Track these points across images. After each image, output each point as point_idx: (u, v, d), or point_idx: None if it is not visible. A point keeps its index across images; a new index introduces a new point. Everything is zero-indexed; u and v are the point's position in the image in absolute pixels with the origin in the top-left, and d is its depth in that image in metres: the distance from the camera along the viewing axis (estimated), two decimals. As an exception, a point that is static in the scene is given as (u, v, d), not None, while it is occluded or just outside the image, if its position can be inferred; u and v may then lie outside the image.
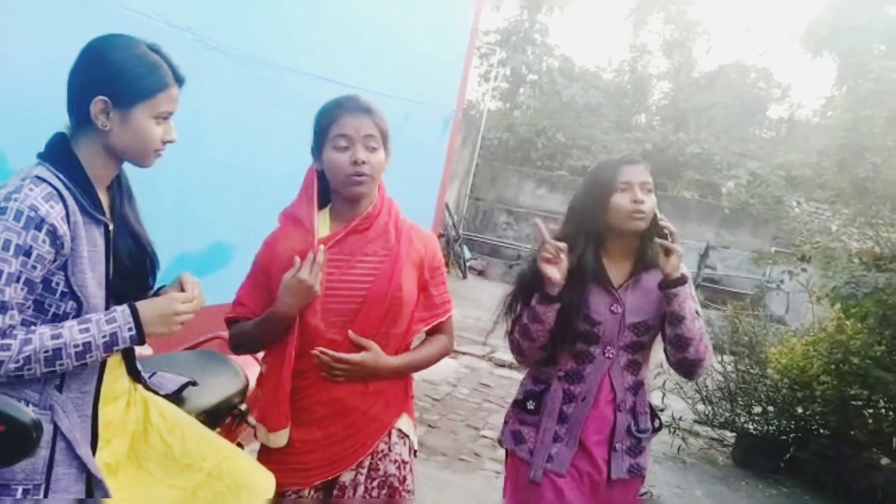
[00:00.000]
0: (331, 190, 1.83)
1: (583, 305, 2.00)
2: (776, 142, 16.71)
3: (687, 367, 2.04)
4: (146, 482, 1.58)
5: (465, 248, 12.40)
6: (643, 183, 1.99)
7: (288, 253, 1.75)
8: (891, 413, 4.53)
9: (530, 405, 2.11)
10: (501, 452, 4.72)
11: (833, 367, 4.61)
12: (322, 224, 1.82)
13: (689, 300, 1.97)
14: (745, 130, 16.85)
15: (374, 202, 1.83)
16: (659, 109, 18.54)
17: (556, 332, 2.00)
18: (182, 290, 1.51)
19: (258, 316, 1.81)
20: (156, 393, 1.71)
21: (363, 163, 1.74)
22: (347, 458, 1.82)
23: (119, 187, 1.53)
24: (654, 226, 1.99)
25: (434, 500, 3.69)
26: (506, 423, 2.22)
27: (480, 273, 12.63)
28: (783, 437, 4.98)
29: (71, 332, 1.36)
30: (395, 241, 1.84)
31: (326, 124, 1.76)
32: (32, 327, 1.35)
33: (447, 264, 11.77)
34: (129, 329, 1.40)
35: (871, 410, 4.63)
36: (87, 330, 1.37)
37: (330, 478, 1.82)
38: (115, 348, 1.40)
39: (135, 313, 1.41)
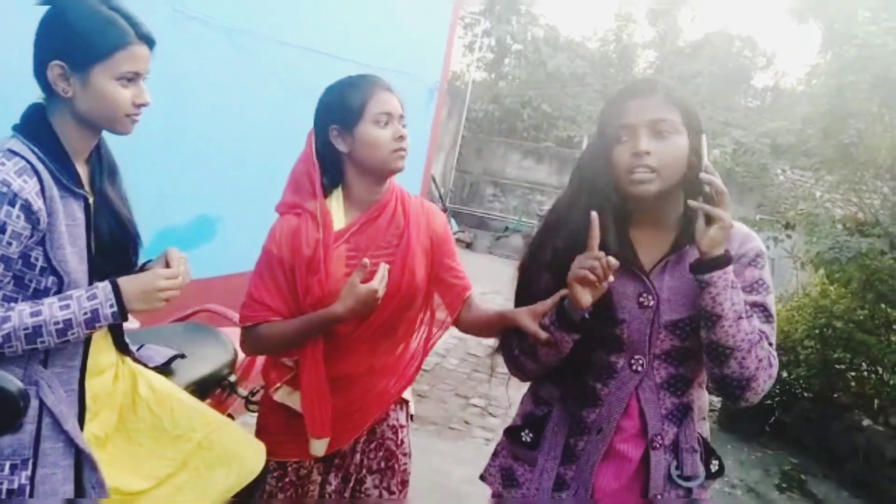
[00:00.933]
0: (349, 172, 1.73)
1: (603, 298, 1.40)
2: (761, 110, 16.71)
3: (728, 387, 1.40)
4: (136, 454, 1.58)
5: (452, 220, 12.38)
6: (654, 122, 1.37)
7: (314, 246, 1.68)
8: (873, 376, 4.61)
9: (526, 436, 1.58)
10: (490, 420, 4.81)
11: (817, 331, 4.68)
12: (336, 212, 1.74)
13: (729, 292, 1.35)
14: (730, 99, 16.82)
15: (386, 187, 1.78)
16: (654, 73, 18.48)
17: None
18: (167, 265, 1.49)
19: (282, 317, 1.71)
20: (144, 365, 1.71)
21: (404, 137, 1.71)
22: (349, 433, 1.80)
23: (99, 160, 1.49)
24: (691, 182, 1.39)
25: (424, 468, 3.72)
26: (495, 455, 1.70)
27: (468, 246, 12.63)
28: (768, 402, 5.06)
29: (51, 308, 1.33)
30: (405, 225, 1.78)
31: (362, 101, 1.67)
32: (12, 304, 1.33)
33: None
34: (111, 306, 1.37)
35: (853, 373, 4.71)
36: (67, 307, 1.34)
37: (328, 454, 1.80)
38: (97, 325, 1.38)
39: (116, 289, 1.38)
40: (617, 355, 1.47)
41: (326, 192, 1.75)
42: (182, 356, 1.86)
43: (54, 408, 1.39)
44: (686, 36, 18.40)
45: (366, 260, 1.64)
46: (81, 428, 1.46)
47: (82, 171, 1.45)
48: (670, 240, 1.46)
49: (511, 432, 1.64)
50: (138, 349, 1.78)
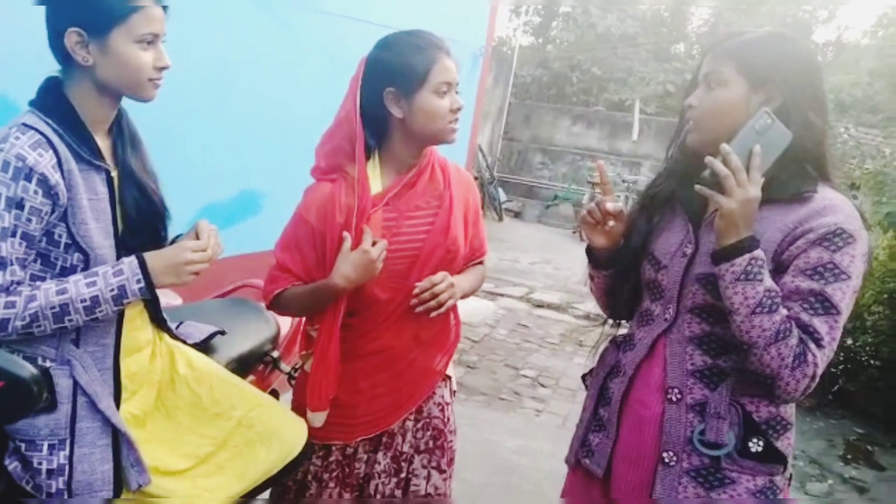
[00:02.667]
0: (396, 136, 1.67)
1: (650, 241, 1.50)
2: (824, 66, 15.95)
3: (761, 380, 1.33)
4: (176, 431, 1.57)
5: (499, 189, 12.23)
6: (706, 76, 1.38)
7: (347, 213, 1.63)
8: (945, 342, 4.37)
9: (588, 377, 1.68)
10: (541, 391, 4.76)
11: (885, 296, 4.45)
12: (373, 175, 1.69)
13: (741, 286, 1.27)
14: (790, 55, 16.10)
15: (425, 151, 1.72)
16: (699, 37, 17.80)
17: (619, 276, 1.57)
18: (198, 238, 1.45)
19: (304, 283, 1.69)
20: (183, 342, 1.69)
21: (461, 109, 1.65)
22: (393, 414, 1.76)
23: (120, 132, 1.46)
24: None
25: (474, 439, 3.70)
26: None
27: (517, 215, 12.50)
28: (832, 370, 4.86)
29: (77, 286, 1.32)
30: (446, 187, 1.74)
31: (426, 67, 1.58)
32: (38, 283, 1.32)
33: (482, 207, 11.65)
34: (138, 281, 1.35)
35: (924, 340, 4.48)
36: (93, 283, 1.33)
37: (374, 434, 1.77)
38: (125, 301, 1.36)
39: (142, 264, 1.36)
40: (656, 302, 1.49)
41: (367, 155, 1.68)
42: (222, 332, 1.84)
43: (88, 387, 1.38)
44: (742, -10, 17.65)
45: (345, 232, 1.61)
46: (118, 407, 1.45)
47: (103, 143, 1.42)
48: None
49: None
50: (177, 326, 1.76)
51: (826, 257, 1.27)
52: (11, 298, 1.27)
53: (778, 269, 1.33)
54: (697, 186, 1.30)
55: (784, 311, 1.28)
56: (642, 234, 1.53)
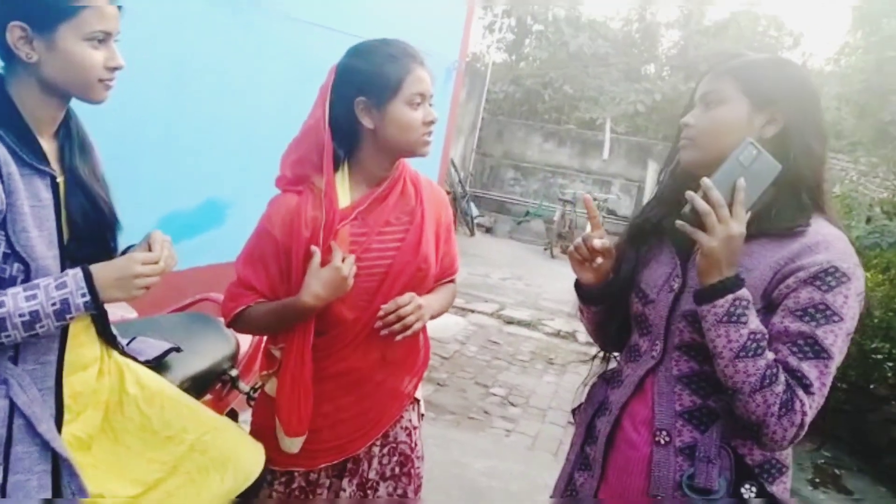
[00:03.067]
0: (366, 148, 1.59)
1: (638, 272, 1.44)
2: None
3: (747, 426, 1.25)
4: (123, 456, 1.46)
5: (472, 204, 12.19)
6: (703, 96, 1.33)
7: (314, 227, 1.55)
8: (912, 365, 4.40)
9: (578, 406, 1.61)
10: (511, 410, 4.68)
11: (853, 319, 4.46)
12: (341, 188, 1.60)
13: (723, 328, 1.20)
14: (757, 79, 16.40)
15: (396, 164, 1.65)
16: (669, 59, 18.05)
17: (608, 310, 1.52)
18: (150, 249, 1.35)
19: (268, 300, 1.60)
20: (134, 360, 1.58)
21: (434, 122, 1.58)
22: (359, 440, 1.67)
23: (68, 134, 1.36)
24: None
25: (442, 460, 3.61)
26: None
27: (488, 230, 12.46)
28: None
29: (15, 299, 1.21)
30: (418, 203, 1.66)
31: (399, 77, 1.52)
32: None
33: (454, 222, 11.60)
34: (83, 295, 1.25)
35: (891, 363, 4.50)
36: (33, 297, 1.22)
37: (338, 461, 1.67)
38: (69, 316, 1.25)
39: (88, 277, 1.25)
40: (644, 337, 1.42)
41: (336, 167, 1.59)
42: (177, 349, 1.73)
43: (26, 408, 1.26)
44: (711, 15, 17.97)
45: (314, 247, 1.52)
46: (60, 429, 1.33)
47: (49, 146, 1.32)
48: None
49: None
50: (129, 342, 1.66)
51: (817, 297, 1.20)
52: None
53: (768, 308, 1.25)
54: (678, 223, 1.23)
55: (770, 356, 1.21)
56: (630, 264, 1.47)
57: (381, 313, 1.58)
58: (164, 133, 2.86)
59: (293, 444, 1.62)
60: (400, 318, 1.58)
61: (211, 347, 1.94)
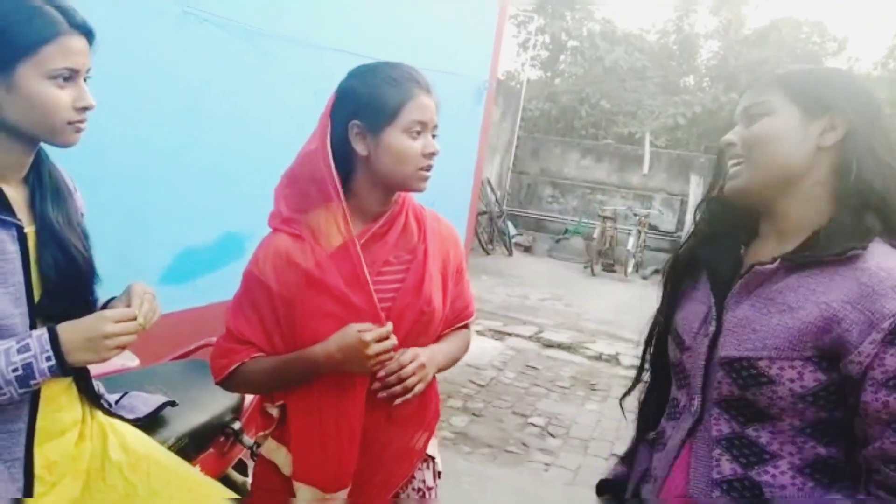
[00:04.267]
0: (360, 178, 1.45)
1: (675, 312, 1.28)
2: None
3: None
4: (104, 530, 1.33)
5: (509, 223, 12.02)
6: (745, 110, 1.17)
7: (328, 274, 1.41)
8: None
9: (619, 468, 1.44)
10: (551, 442, 4.48)
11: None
12: (334, 227, 1.45)
13: None
14: (801, 87, 15.95)
15: (395, 198, 1.51)
16: (708, 70, 17.70)
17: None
18: (129, 305, 1.23)
19: (266, 354, 1.46)
20: (122, 419, 1.46)
21: (435, 155, 1.43)
22: (370, 502, 1.51)
23: (39, 181, 1.25)
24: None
25: (477, 499, 3.43)
26: None
27: (527, 249, 12.26)
28: None
29: None
30: (420, 240, 1.51)
31: (398, 103, 1.39)
32: None
33: (491, 241, 11.45)
34: (48, 358, 1.13)
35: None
36: None
37: None
38: (33, 382, 1.13)
39: (54, 338, 1.14)
40: (681, 390, 1.23)
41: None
42: (172, 403, 1.60)
43: None
44: (751, 24, 17.58)
45: (390, 324, 1.38)
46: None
47: (16, 194, 1.21)
48: (779, 250, 1.14)
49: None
50: (120, 398, 1.53)
51: None
52: None
53: (822, 359, 1.05)
54: None
55: None
56: (669, 303, 1.30)
57: (380, 374, 1.42)
58: (178, 166, 2.78)
59: (304, 495, 1.46)
60: (401, 380, 1.42)
61: (212, 399, 1.81)
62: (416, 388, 1.44)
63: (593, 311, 7.85)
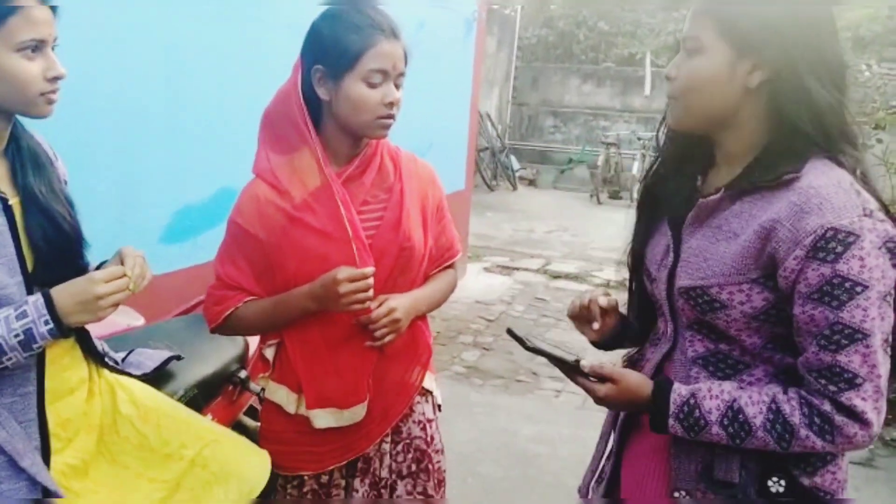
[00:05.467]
0: (328, 122, 1.47)
1: (646, 247, 1.32)
2: (843, 0, 15.33)
3: None
4: (123, 478, 1.41)
5: (512, 157, 11.93)
6: (683, 41, 1.18)
7: (309, 213, 1.45)
8: None
9: None
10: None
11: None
12: (310, 170, 1.48)
13: (698, 436, 1.15)
14: (804, -8, 15.46)
15: (367, 141, 1.52)
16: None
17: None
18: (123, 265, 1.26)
19: (258, 297, 1.52)
20: (129, 375, 1.52)
21: (395, 104, 1.44)
22: (364, 439, 1.58)
23: (19, 152, 1.27)
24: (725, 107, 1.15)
25: (490, 428, 3.55)
26: None
27: (531, 182, 12.19)
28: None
29: None
30: (396, 179, 1.54)
31: (358, 50, 1.39)
32: None
33: (494, 177, 11.39)
34: (46, 322, 1.17)
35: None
36: None
37: (346, 461, 1.60)
38: (35, 346, 1.19)
39: (49, 303, 1.18)
40: (661, 319, 1.30)
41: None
42: (178, 357, 1.67)
43: (7, 445, 1.21)
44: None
45: (344, 268, 1.42)
46: (48, 460, 1.28)
47: None
48: (727, 179, 1.18)
49: None
50: (127, 355, 1.60)
51: (827, 273, 1.03)
52: None
53: (768, 277, 1.10)
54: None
55: (759, 415, 1.10)
56: (640, 237, 1.34)
57: (354, 321, 1.49)
58: (168, 124, 2.78)
59: (322, 419, 1.54)
60: (376, 327, 1.49)
61: (217, 350, 1.88)
62: (386, 339, 1.50)
63: (600, 239, 7.87)
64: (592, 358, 1.26)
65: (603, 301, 1.33)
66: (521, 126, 13.55)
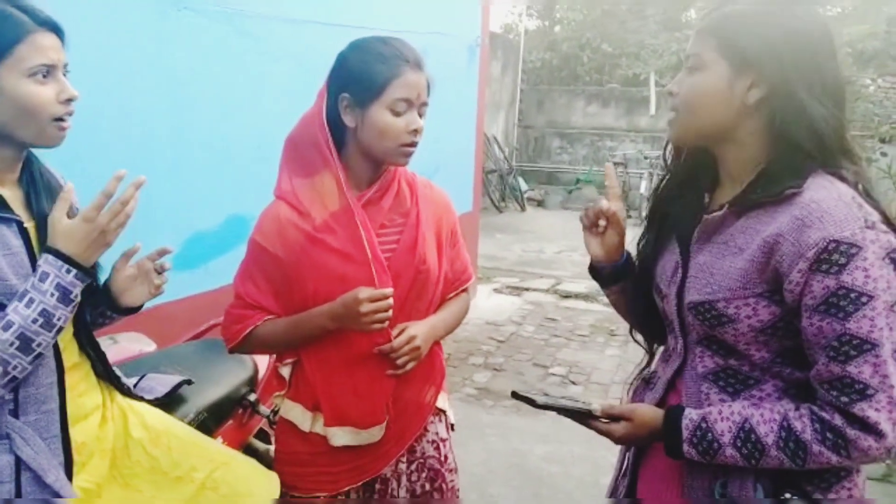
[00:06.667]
0: (351, 148, 1.51)
1: (654, 263, 1.34)
2: (842, 18, 15.39)
3: None
4: (134, 500, 1.42)
5: (519, 179, 12.00)
6: (686, 60, 1.22)
7: (329, 234, 1.49)
8: None
9: None
10: (572, 389, 4.56)
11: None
12: (330, 194, 1.52)
13: (713, 458, 1.15)
14: (806, 9, 15.52)
15: (385, 167, 1.56)
16: (709, 1, 17.34)
17: (631, 294, 1.44)
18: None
19: (277, 316, 1.55)
20: (141, 400, 1.55)
21: (419, 132, 1.48)
22: (380, 459, 1.60)
23: (32, 180, 1.31)
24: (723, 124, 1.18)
25: (501, 449, 3.54)
26: None
27: (539, 203, 12.25)
28: None
29: (18, 312, 1.18)
30: (413, 204, 1.58)
31: (384, 80, 1.44)
32: None
33: (503, 199, 11.44)
34: (67, 271, 1.22)
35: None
36: (31, 301, 1.19)
37: (361, 483, 1.61)
38: (73, 296, 1.23)
39: (59, 254, 1.22)
40: (671, 335, 1.31)
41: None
42: (188, 382, 1.69)
43: (32, 462, 1.24)
44: (750, -52, 17.10)
45: (363, 289, 1.44)
46: (70, 477, 1.30)
47: (12, 195, 1.27)
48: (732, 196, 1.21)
49: None
50: (138, 381, 1.62)
51: (832, 285, 1.04)
52: None
53: (774, 290, 1.11)
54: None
55: (771, 433, 1.10)
56: (650, 247, 1.37)
57: (375, 350, 1.53)
58: (175, 155, 2.83)
59: (339, 437, 1.55)
60: (398, 355, 1.53)
61: (227, 374, 1.90)
62: (407, 367, 1.54)
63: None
64: (602, 402, 1.28)
65: (603, 204, 1.34)
66: (528, 148, 13.63)
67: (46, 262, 1.22)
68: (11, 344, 1.17)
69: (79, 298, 1.26)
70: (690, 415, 1.16)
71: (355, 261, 1.49)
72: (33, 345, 1.19)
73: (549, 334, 5.50)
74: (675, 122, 1.22)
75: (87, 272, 1.25)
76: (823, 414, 1.07)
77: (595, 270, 1.44)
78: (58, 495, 1.26)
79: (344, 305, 1.44)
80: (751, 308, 1.12)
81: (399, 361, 1.52)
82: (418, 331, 1.54)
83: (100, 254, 1.26)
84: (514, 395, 1.31)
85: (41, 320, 1.19)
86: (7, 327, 1.17)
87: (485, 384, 4.45)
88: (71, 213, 1.35)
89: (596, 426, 1.25)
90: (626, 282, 1.41)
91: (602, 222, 1.35)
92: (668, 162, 1.35)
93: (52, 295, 1.21)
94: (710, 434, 1.13)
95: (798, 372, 1.14)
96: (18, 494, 1.24)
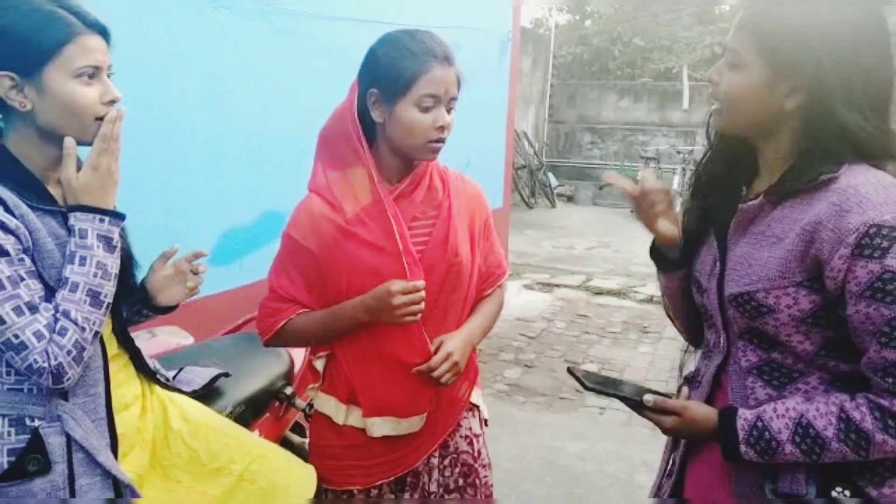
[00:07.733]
0: (381, 143, 1.51)
1: (693, 258, 1.32)
2: (887, 2, 15.02)
3: None
4: (174, 492, 1.44)
5: (550, 175, 11.93)
6: (727, 53, 1.18)
7: (362, 228, 1.49)
8: None
9: None
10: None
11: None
12: (362, 188, 1.52)
13: (772, 458, 1.12)
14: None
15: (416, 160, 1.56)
16: (744, -7, 17.05)
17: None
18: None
19: (311, 309, 1.56)
20: (179, 392, 1.57)
21: (446, 128, 1.48)
22: (413, 453, 1.60)
23: None
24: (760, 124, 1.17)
25: (534, 445, 3.52)
26: None
27: (570, 199, 12.17)
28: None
29: (75, 274, 1.22)
30: (445, 197, 1.57)
31: (413, 76, 1.42)
32: (48, 305, 1.22)
33: (533, 195, 11.39)
34: (101, 220, 1.25)
35: None
36: (83, 260, 1.23)
37: (394, 477, 1.61)
38: (114, 243, 1.27)
39: (86, 208, 1.25)
40: (709, 330, 1.30)
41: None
42: (226, 374, 1.71)
43: (84, 441, 1.26)
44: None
45: (396, 282, 1.45)
46: (117, 457, 1.33)
47: (57, 191, 1.30)
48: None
49: None
50: (177, 373, 1.64)
51: (876, 269, 1.02)
52: (62, 324, 1.20)
53: (814, 278, 1.09)
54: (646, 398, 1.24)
55: (830, 426, 1.08)
56: (688, 250, 1.34)
57: (413, 370, 1.52)
58: (212, 152, 2.87)
59: (379, 427, 1.56)
60: (437, 374, 1.52)
61: (264, 367, 1.92)
62: (447, 381, 1.53)
63: (642, 254, 7.71)
64: (656, 396, 1.26)
65: (648, 184, 1.34)
66: (559, 143, 13.54)
67: (78, 220, 1.25)
68: (84, 302, 1.22)
69: (119, 243, 1.30)
70: (745, 415, 1.14)
71: (387, 253, 1.49)
72: (101, 297, 1.24)
73: (581, 331, 5.46)
74: (719, 115, 1.21)
75: (116, 215, 1.28)
76: (882, 401, 1.05)
77: (659, 255, 1.39)
78: (106, 475, 1.29)
79: (376, 298, 1.45)
80: (790, 297, 1.10)
81: (442, 380, 1.52)
82: (454, 346, 1.53)
83: (114, 190, 1.29)
84: (570, 371, 1.32)
85: (100, 272, 1.24)
86: (74, 288, 1.22)
87: (516, 380, 4.44)
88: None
89: (648, 415, 1.24)
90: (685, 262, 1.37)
91: (660, 203, 1.33)
92: (704, 156, 1.34)
93: (98, 246, 1.25)
94: (766, 433, 1.11)
95: (843, 364, 1.12)
96: (72, 474, 1.27)
